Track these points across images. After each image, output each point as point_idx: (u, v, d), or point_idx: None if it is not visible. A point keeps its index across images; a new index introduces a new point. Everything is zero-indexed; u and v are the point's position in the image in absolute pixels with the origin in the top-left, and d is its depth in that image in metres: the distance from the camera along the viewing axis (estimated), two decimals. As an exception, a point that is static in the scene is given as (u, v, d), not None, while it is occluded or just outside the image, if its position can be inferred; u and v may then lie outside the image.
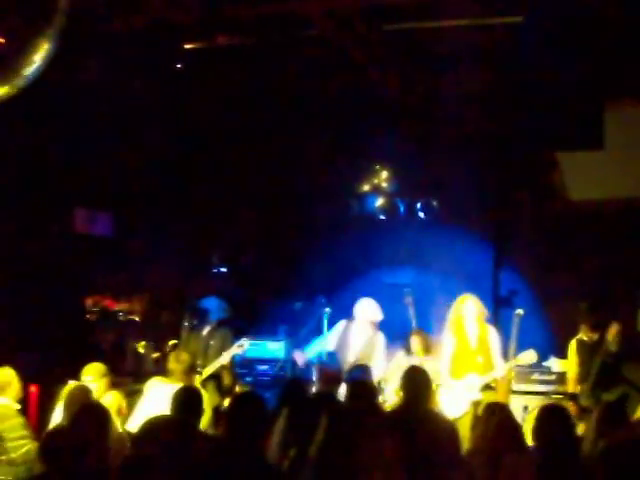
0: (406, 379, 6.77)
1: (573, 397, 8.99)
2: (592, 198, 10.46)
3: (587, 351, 9.06)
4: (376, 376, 9.53)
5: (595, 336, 9.04)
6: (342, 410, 5.08)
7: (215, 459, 4.93)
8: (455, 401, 8.64)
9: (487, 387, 8.87)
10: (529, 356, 8.77)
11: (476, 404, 8.63)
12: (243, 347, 9.45)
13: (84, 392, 6.66)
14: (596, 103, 7.32)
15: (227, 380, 9.30)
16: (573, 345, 9.26)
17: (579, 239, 10.59)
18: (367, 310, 9.84)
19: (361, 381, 7.05)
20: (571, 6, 7.43)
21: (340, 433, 4.65)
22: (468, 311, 8.92)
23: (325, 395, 6.85)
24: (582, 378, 9.00)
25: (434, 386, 8.90)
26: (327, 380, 7.86)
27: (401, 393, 6.92)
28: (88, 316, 10.35)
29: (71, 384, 6.79)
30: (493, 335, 8.99)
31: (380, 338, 9.83)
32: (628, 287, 10.14)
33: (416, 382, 6.66)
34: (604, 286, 10.14)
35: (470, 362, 8.89)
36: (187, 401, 6.02)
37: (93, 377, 6.99)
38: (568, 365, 9.38)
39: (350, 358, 9.60)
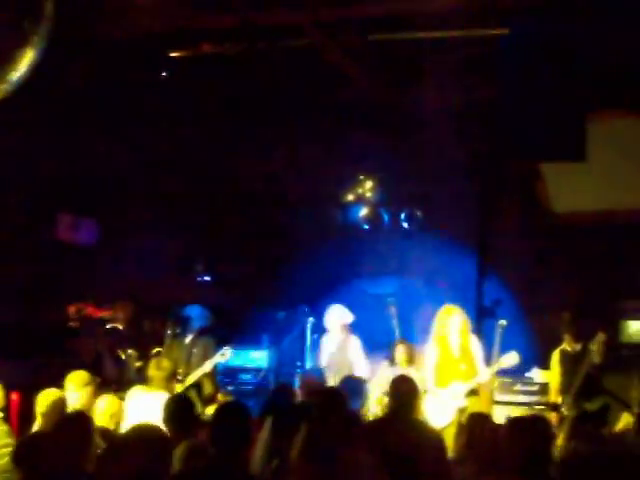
0: (393, 388, 6.78)
1: (555, 407, 9.04)
2: (575, 210, 10.50)
3: (570, 362, 9.12)
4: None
5: (578, 347, 9.10)
6: (319, 420, 5.06)
7: (199, 469, 4.93)
8: (441, 410, 8.66)
9: (471, 393, 8.90)
10: (511, 358, 8.80)
11: (462, 411, 8.66)
12: (225, 356, 9.46)
13: (57, 401, 6.59)
14: (579, 115, 7.34)
15: (208, 389, 9.29)
16: (556, 356, 9.31)
17: (562, 250, 10.62)
18: (335, 315, 9.89)
19: (331, 391, 7.04)
20: (555, 19, 7.47)
21: (317, 443, 4.66)
22: (453, 324, 8.96)
23: (308, 405, 6.85)
24: (564, 388, 9.06)
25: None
26: (309, 390, 7.86)
27: (385, 402, 6.95)
28: (71, 324, 10.29)
29: (45, 392, 6.71)
30: (475, 343, 9.04)
31: (354, 340, 9.87)
32: (610, 299, 10.19)
33: (403, 391, 6.68)
34: (587, 297, 10.17)
35: (454, 370, 8.92)
36: (178, 410, 6.02)
37: (75, 386, 6.93)
38: (551, 375, 9.43)
39: (324, 365, 9.66)
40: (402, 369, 9.66)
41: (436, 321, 9.10)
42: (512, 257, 10.97)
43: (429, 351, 9.20)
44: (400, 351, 9.87)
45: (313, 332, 10.27)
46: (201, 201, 11.86)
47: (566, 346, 9.22)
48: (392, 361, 10.06)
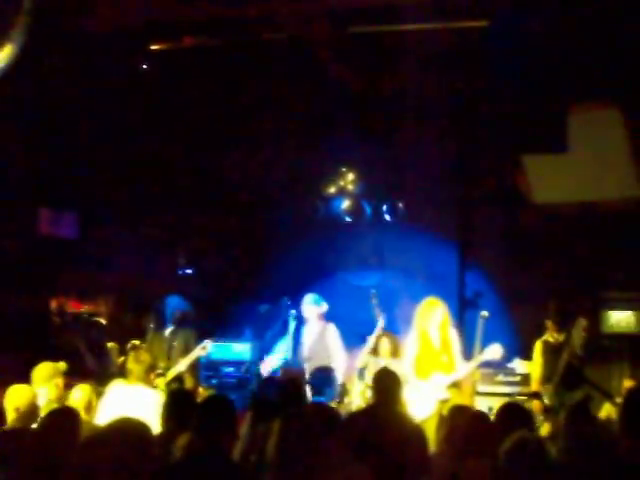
0: (376, 381, 6.81)
1: (537, 395, 9.09)
2: (556, 201, 10.54)
3: (552, 352, 9.17)
4: (341, 368, 9.60)
5: (561, 337, 9.15)
6: (293, 413, 5.07)
7: (182, 462, 4.93)
8: (422, 401, 8.67)
9: (453, 385, 8.93)
10: (495, 351, 8.83)
11: (443, 403, 8.69)
12: (206, 349, 9.47)
13: (31, 397, 6.56)
14: (560, 106, 7.38)
15: (189, 383, 9.28)
16: (538, 346, 9.35)
17: (543, 242, 10.67)
18: (310, 304, 9.93)
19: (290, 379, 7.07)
20: (536, 11, 7.49)
21: (292, 436, 4.67)
22: (434, 316, 8.96)
23: (289, 398, 6.86)
24: (546, 378, 9.11)
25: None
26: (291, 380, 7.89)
27: (369, 394, 6.97)
28: (55, 318, 10.26)
29: (17, 387, 6.66)
30: (453, 335, 9.06)
31: (331, 328, 9.90)
32: (591, 289, 10.25)
33: (386, 384, 6.70)
34: (567, 288, 10.22)
35: (435, 362, 8.94)
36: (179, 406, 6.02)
37: (40, 380, 6.89)
38: (533, 366, 9.47)
39: (305, 355, 9.68)
40: (385, 361, 9.70)
41: (418, 313, 9.11)
42: (493, 249, 11.01)
43: (410, 343, 9.21)
44: (385, 343, 9.90)
45: (295, 324, 10.26)
46: (183, 194, 11.83)
47: (548, 337, 9.27)
48: (374, 352, 10.09)
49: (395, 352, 10.02)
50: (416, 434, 6.37)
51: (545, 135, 7.29)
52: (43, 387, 6.82)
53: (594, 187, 10.28)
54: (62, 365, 7.27)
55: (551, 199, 10.55)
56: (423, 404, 8.63)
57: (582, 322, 8.94)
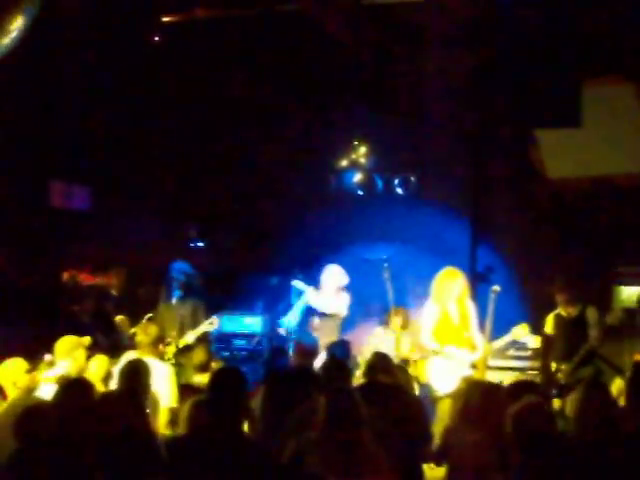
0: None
1: (548, 371, 9.04)
2: (570, 176, 10.50)
3: (565, 326, 9.11)
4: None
5: (574, 312, 9.08)
6: (341, 389, 5.12)
7: (196, 435, 4.96)
8: (446, 376, 8.64)
9: (473, 365, 8.91)
10: (521, 331, 8.82)
11: (465, 380, 8.67)
12: (213, 324, 9.46)
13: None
14: (574, 81, 7.33)
15: (201, 356, 9.28)
16: (550, 320, 9.30)
17: (556, 216, 10.63)
18: (333, 276, 9.93)
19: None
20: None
21: (342, 410, 4.72)
22: (453, 288, 8.92)
23: (302, 370, 6.89)
24: (561, 354, 9.02)
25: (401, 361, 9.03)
26: (303, 354, 7.91)
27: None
28: (76, 290, 10.30)
29: (14, 361, 6.68)
30: (472, 309, 9.02)
31: (343, 296, 9.92)
32: (603, 264, 10.22)
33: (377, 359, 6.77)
34: (580, 263, 10.20)
35: (456, 337, 8.89)
36: (130, 374, 6.09)
37: (63, 353, 6.95)
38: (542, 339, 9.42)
39: (314, 325, 9.70)
40: (395, 334, 9.73)
41: (436, 284, 9.04)
42: (506, 223, 10.99)
43: (427, 314, 9.14)
44: (397, 318, 9.92)
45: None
46: (195, 167, 11.83)
47: (561, 311, 9.21)
48: (386, 325, 10.12)
49: (405, 326, 10.05)
50: (415, 405, 6.48)
51: (559, 110, 7.24)
52: (65, 360, 6.90)
53: (607, 162, 10.24)
54: (86, 339, 7.33)
55: (564, 174, 10.50)
56: (447, 378, 8.61)
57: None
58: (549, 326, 9.27)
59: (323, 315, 10.02)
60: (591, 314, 8.96)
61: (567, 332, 9.02)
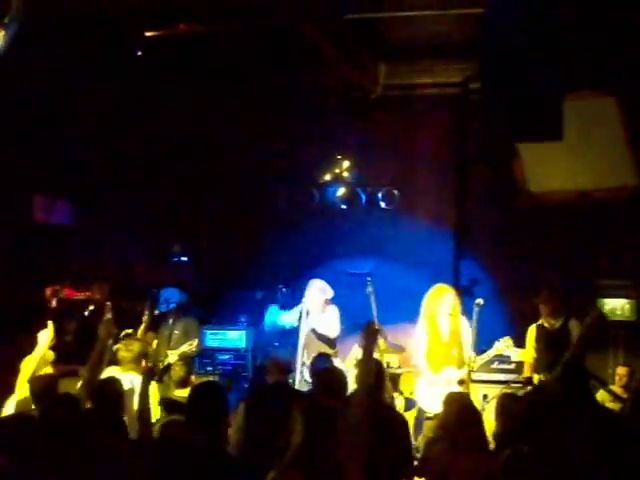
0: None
1: (531, 383, 9.04)
2: (551, 189, 10.54)
3: (547, 338, 9.10)
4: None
5: (557, 323, 9.08)
6: (318, 407, 5.10)
7: (175, 448, 4.94)
8: (435, 396, 8.61)
9: (461, 381, 8.88)
10: (505, 344, 8.81)
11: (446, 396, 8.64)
12: (192, 346, 9.55)
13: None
14: (556, 95, 7.35)
15: (180, 371, 9.29)
16: (532, 330, 9.29)
17: (538, 230, 10.67)
18: (317, 290, 9.88)
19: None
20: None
21: (318, 429, 4.70)
22: (443, 305, 8.90)
23: (279, 386, 6.87)
24: (542, 367, 9.03)
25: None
26: (279, 370, 7.84)
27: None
28: (54, 304, 10.26)
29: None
30: (465, 328, 8.99)
31: (331, 310, 9.83)
32: (586, 277, 10.26)
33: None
34: (563, 276, 10.23)
35: (446, 355, 8.87)
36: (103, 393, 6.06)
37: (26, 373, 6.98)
38: (525, 352, 9.41)
39: (302, 343, 9.62)
40: (380, 350, 9.70)
41: (425, 300, 9.03)
42: (489, 236, 11.01)
43: (418, 334, 9.14)
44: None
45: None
46: (178, 181, 11.82)
47: (544, 322, 9.22)
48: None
49: (385, 339, 10.07)
50: (399, 422, 6.46)
51: (541, 124, 7.25)
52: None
53: (588, 175, 10.29)
54: (50, 355, 7.29)
55: (546, 187, 10.55)
56: (436, 398, 8.58)
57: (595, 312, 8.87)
58: (531, 337, 9.27)
59: (317, 335, 9.93)
60: (574, 326, 8.98)
61: (550, 344, 9.02)
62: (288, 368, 7.88)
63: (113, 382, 6.16)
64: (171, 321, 9.95)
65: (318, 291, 9.88)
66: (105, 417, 5.61)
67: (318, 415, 4.84)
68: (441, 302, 8.90)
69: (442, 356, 8.82)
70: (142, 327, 9.62)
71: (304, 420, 4.76)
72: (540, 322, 9.20)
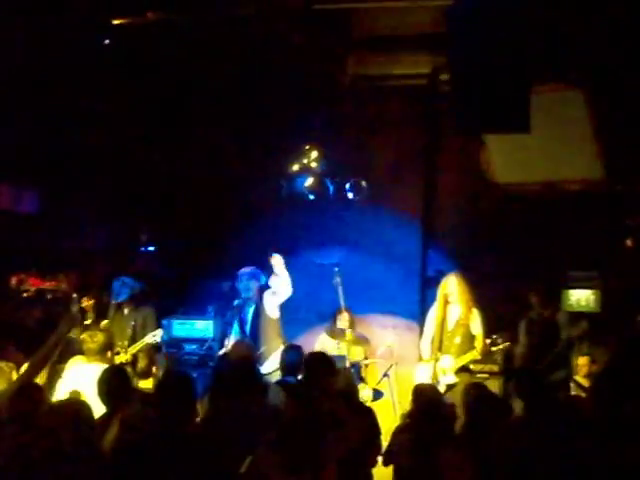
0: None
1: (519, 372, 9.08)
2: (518, 181, 10.61)
3: (537, 328, 9.18)
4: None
5: (546, 313, 9.17)
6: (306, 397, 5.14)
7: (142, 437, 4.94)
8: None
9: (464, 369, 8.91)
10: (502, 338, 8.89)
11: (450, 388, 8.69)
12: (156, 336, 9.52)
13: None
14: (523, 87, 7.39)
15: (142, 363, 9.29)
16: (523, 324, 9.39)
17: (505, 221, 10.74)
18: (251, 280, 9.70)
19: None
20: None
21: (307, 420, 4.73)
22: (449, 290, 9.00)
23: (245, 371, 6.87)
24: (533, 356, 9.08)
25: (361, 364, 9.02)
26: (240, 356, 7.80)
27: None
28: (24, 294, 10.20)
29: None
30: (475, 317, 9.04)
31: (267, 293, 9.68)
32: (552, 268, 10.34)
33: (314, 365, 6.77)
34: (529, 268, 10.31)
35: (447, 343, 8.93)
36: (113, 382, 6.03)
37: None
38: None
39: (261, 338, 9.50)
40: (343, 337, 9.72)
41: (439, 290, 9.14)
42: (456, 227, 11.06)
43: (427, 321, 9.25)
44: (343, 318, 9.97)
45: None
46: (146, 171, 11.75)
47: (532, 314, 9.29)
48: (333, 329, 10.11)
49: (353, 327, 10.10)
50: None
51: (508, 116, 7.29)
52: None
53: (555, 167, 10.36)
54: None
55: (513, 179, 10.61)
56: None
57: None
58: (522, 331, 9.33)
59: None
60: (562, 317, 9.08)
61: (539, 334, 9.08)
62: (248, 354, 7.86)
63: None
64: (126, 311, 9.85)
65: (247, 277, 9.71)
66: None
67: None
68: (441, 291, 9.02)
69: (443, 344, 8.89)
70: (110, 317, 9.62)
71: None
72: (530, 315, 9.31)
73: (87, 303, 9.38)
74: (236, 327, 9.66)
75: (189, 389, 5.03)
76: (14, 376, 6.73)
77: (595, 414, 5.34)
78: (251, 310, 9.66)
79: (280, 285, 9.37)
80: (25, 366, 6.89)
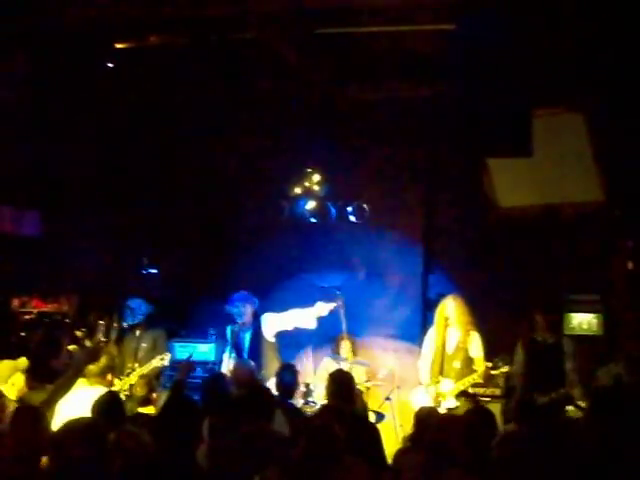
0: (331, 382, 6.87)
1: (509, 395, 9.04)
2: (520, 204, 10.62)
3: (540, 351, 9.12)
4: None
5: (551, 338, 9.12)
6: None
7: (146, 464, 4.92)
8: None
9: (464, 394, 8.88)
10: (503, 361, 8.87)
11: (451, 412, 8.65)
12: (164, 360, 9.47)
13: None
14: (525, 111, 7.44)
15: (139, 390, 9.27)
16: (524, 344, 9.33)
17: (508, 245, 10.74)
18: (246, 304, 9.67)
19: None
20: (501, 15, 7.54)
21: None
22: (447, 313, 8.97)
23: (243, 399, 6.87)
24: (531, 381, 9.03)
25: (359, 387, 9.01)
26: (240, 382, 7.79)
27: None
28: (27, 317, 10.20)
29: None
30: (474, 340, 9.01)
31: (266, 317, 9.65)
32: (554, 292, 10.33)
33: (340, 384, 6.77)
34: (532, 291, 10.31)
35: (446, 367, 8.91)
36: (106, 406, 6.03)
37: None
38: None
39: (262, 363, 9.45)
40: (346, 362, 9.72)
41: (437, 313, 9.12)
42: (458, 250, 11.06)
43: (425, 344, 9.23)
44: (345, 345, 9.96)
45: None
46: (148, 194, 11.78)
47: (537, 336, 9.26)
48: (337, 354, 10.11)
49: (355, 353, 10.08)
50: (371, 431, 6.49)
51: (510, 140, 7.33)
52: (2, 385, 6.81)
53: (557, 191, 10.38)
54: (22, 362, 7.22)
55: (515, 202, 10.63)
56: None
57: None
58: (521, 351, 9.27)
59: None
60: (568, 344, 9.04)
61: (542, 357, 9.03)
62: (249, 380, 7.85)
63: None
64: (138, 333, 9.90)
65: (242, 303, 9.69)
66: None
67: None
68: (439, 314, 9.01)
69: (443, 368, 8.86)
70: (111, 339, 9.60)
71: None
72: (534, 335, 9.25)
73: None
74: (231, 352, 9.64)
75: (192, 414, 5.03)
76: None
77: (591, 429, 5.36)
78: (247, 335, 9.65)
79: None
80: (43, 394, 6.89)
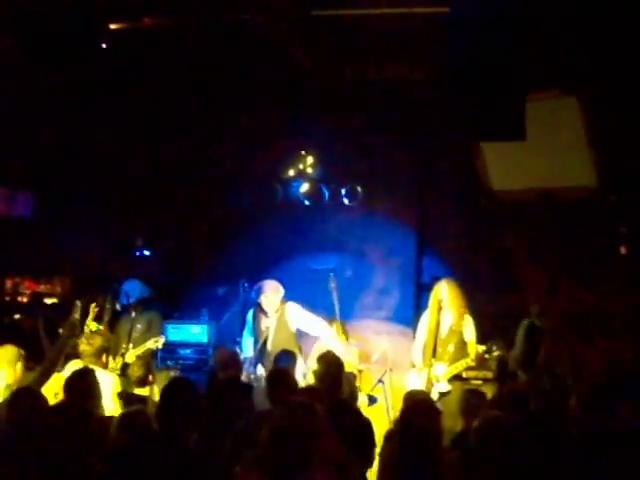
0: (320, 364, 6.87)
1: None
2: (514, 188, 10.63)
3: (536, 336, 9.17)
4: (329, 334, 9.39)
5: (547, 324, 9.17)
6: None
7: (144, 445, 4.93)
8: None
9: (457, 378, 8.88)
10: (497, 345, 8.88)
11: (443, 396, 8.67)
12: (158, 342, 9.50)
13: None
14: (519, 95, 7.43)
15: (137, 371, 9.27)
16: (524, 326, 9.35)
17: (500, 228, 10.76)
18: (272, 293, 9.65)
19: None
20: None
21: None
22: (443, 300, 8.96)
23: (232, 382, 6.88)
24: (528, 362, 9.08)
25: (352, 371, 9.01)
26: (225, 365, 7.78)
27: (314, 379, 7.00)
28: (19, 298, 10.20)
29: None
30: (468, 324, 9.02)
31: (292, 307, 9.66)
32: (548, 277, 10.36)
33: (328, 366, 6.77)
34: (523, 275, 10.33)
35: (440, 350, 8.90)
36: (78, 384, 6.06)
37: (2, 363, 6.90)
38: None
39: (269, 349, 9.43)
40: (340, 345, 9.71)
41: (432, 296, 9.11)
42: (452, 233, 11.08)
43: (419, 327, 9.23)
44: (337, 329, 9.96)
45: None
46: (141, 175, 11.76)
47: (535, 320, 9.29)
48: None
49: (348, 336, 10.08)
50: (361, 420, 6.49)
51: (504, 123, 7.33)
52: (3, 370, 6.82)
53: (551, 175, 10.38)
54: (21, 351, 7.25)
55: (509, 186, 10.63)
56: None
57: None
58: (521, 334, 9.29)
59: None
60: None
61: (536, 342, 9.06)
62: (233, 363, 7.85)
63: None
64: (133, 315, 9.92)
65: (274, 292, 9.66)
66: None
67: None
68: (433, 297, 9.00)
69: (436, 351, 8.86)
70: (104, 321, 9.60)
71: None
72: (533, 319, 9.27)
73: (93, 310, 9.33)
74: (251, 336, 9.60)
75: (191, 395, 5.05)
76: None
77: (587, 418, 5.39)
78: (271, 322, 9.61)
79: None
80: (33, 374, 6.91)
